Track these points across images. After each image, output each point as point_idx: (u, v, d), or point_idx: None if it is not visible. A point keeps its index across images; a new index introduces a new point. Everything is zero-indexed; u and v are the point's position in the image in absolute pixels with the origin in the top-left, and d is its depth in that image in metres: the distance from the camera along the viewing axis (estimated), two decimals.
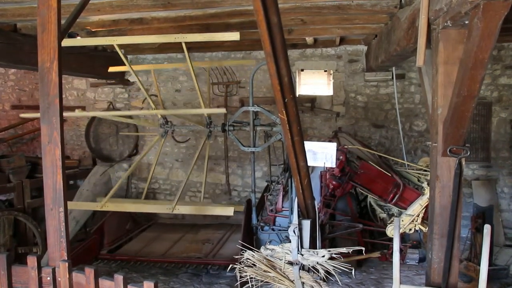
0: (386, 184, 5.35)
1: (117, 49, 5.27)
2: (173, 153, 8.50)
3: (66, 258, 2.68)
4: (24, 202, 6.32)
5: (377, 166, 5.39)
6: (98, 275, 2.51)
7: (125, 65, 7.92)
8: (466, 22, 2.85)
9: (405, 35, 4.24)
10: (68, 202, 5.87)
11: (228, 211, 5.33)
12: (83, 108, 8.69)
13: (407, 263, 6.04)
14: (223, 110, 5.00)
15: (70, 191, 6.84)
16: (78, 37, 5.93)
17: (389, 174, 5.39)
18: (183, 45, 4.99)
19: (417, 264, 6.05)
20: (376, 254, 5.63)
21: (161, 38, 5.34)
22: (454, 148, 3.23)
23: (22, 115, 5.72)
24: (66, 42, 5.23)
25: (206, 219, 8.01)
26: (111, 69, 6.64)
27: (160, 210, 5.71)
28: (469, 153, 3.22)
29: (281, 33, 2.06)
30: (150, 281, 2.30)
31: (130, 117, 6.83)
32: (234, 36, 4.85)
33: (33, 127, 8.71)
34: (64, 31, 2.89)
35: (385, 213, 5.75)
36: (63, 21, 2.90)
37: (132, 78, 8.46)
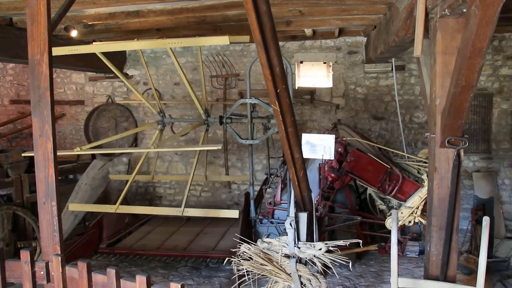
0: (377, 171, 5.30)
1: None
2: (172, 146, 8.45)
3: (59, 252, 2.65)
4: (23, 197, 6.30)
5: (370, 155, 5.34)
6: (91, 270, 2.48)
7: (123, 58, 8.05)
8: (464, 10, 2.79)
9: (404, 25, 4.18)
10: (82, 205, 6.01)
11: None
12: (81, 103, 8.66)
13: (407, 256, 6.02)
14: None
15: (69, 185, 6.82)
16: (74, 31, 5.87)
17: (380, 161, 5.32)
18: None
19: (417, 256, 6.03)
20: (374, 247, 5.61)
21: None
22: (453, 139, 3.19)
23: None
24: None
25: None
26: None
27: (170, 213, 5.84)
28: (467, 144, 3.18)
29: (271, 22, 2.01)
30: (142, 275, 2.27)
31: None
32: (224, 40, 4.83)
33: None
34: (55, 23, 2.84)
35: (385, 205, 5.72)
36: (53, 14, 2.85)
37: (130, 71, 8.44)
